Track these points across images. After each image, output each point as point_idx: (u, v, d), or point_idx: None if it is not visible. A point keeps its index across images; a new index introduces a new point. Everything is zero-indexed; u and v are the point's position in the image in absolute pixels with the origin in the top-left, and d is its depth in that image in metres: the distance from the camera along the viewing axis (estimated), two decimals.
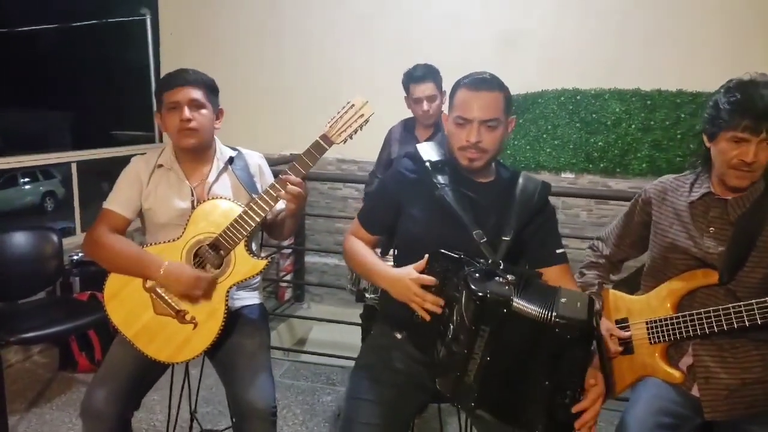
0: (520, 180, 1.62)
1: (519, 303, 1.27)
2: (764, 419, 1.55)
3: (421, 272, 1.47)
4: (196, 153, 1.85)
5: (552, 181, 1.69)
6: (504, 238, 1.50)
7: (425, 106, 2.77)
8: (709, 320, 1.55)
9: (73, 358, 3.28)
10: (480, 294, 1.27)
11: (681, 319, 1.61)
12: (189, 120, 1.75)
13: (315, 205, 5.33)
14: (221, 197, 1.77)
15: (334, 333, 4.33)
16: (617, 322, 1.77)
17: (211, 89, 1.83)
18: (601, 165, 4.64)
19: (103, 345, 3.30)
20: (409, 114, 2.98)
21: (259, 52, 5.38)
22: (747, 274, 1.54)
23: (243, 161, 1.92)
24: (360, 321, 2.83)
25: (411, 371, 1.59)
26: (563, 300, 1.30)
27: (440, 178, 1.58)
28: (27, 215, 13.39)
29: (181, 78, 1.78)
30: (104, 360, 1.80)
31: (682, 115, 4.40)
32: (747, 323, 1.49)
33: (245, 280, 1.73)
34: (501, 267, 1.41)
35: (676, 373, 1.63)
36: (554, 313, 1.25)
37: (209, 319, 1.70)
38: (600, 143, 4.60)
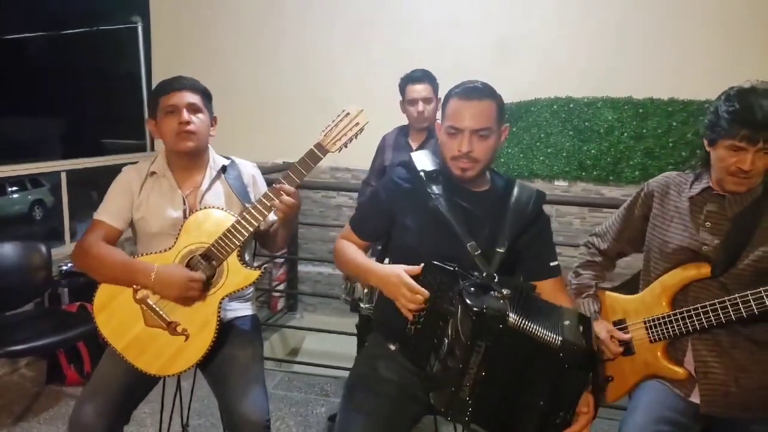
0: (515, 189, 1.60)
1: (516, 319, 1.27)
2: (762, 421, 1.56)
3: (414, 280, 1.45)
4: (189, 160, 1.82)
5: (545, 189, 1.68)
6: (498, 249, 1.49)
7: (420, 106, 2.76)
8: (707, 314, 1.56)
9: (61, 371, 3.22)
10: (476, 309, 1.26)
11: (680, 315, 1.61)
12: (188, 122, 1.74)
13: (308, 214, 5.31)
14: (214, 207, 1.74)
15: (328, 343, 4.29)
16: (614, 323, 1.77)
17: (206, 96, 1.83)
18: (594, 173, 4.65)
19: (93, 357, 3.24)
20: (403, 121, 2.97)
21: (252, 60, 5.37)
22: (739, 269, 1.56)
23: (236, 170, 1.89)
24: (355, 331, 2.80)
25: (405, 382, 1.57)
26: (566, 323, 1.30)
27: (434, 188, 1.57)
28: (15, 224, 13.26)
29: (178, 83, 1.77)
30: (93, 373, 1.76)
31: (674, 124, 4.43)
32: (744, 314, 1.51)
33: (238, 290, 1.70)
34: (496, 280, 1.40)
35: (680, 370, 1.63)
36: (560, 338, 1.25)
37: (201, 330, 1.67)
38: (593, 151, 4.61)
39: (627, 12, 4.51)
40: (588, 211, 4.63)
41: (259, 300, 5.12)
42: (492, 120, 1.51)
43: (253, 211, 1.66)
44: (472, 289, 1.33)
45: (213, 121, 1.86)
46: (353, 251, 1.67)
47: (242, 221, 1.66)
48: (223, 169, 1.87)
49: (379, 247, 1.82)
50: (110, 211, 1.77)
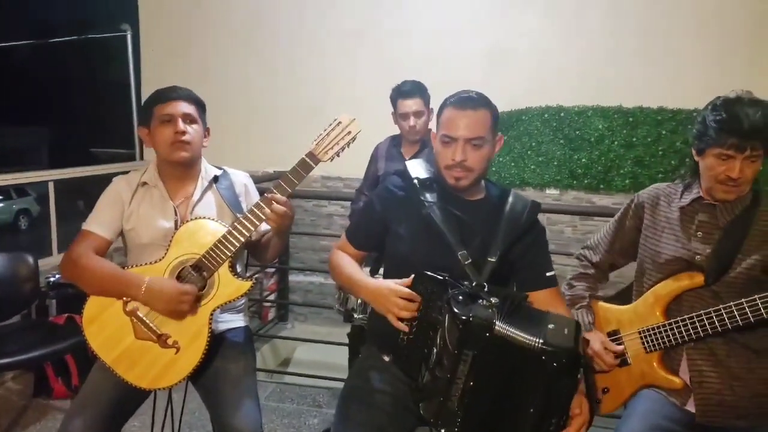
0: (510, 199, 1.60)
1: (502, 327, 1.26)
2: (757, 428, 1.56)
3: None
4: (182, 170, 1.81)
5: (536, 197, 1.69)
6: (489, 259, 1.49)
7: (412, 121, 2.77)
8: (702, 323, 1.57)
9: (48, 384, 3.16)
10: (463, 317, 1.26)
11: (674, 325, 1.62)
12: (184, 132, 1.72)
13: (300, 223, 5.29)
14: (205, 217, 1.72)
15: (320, 353, 4.26)
16: (608, 334, 1.77)
17: (201, 107, 1.82)
18: (585, 181, 4.67)
19: (81, 370, 3.19)
20: (395, 131, 2.97)
21: (243, 68, 5.37)
22: (731, 277, 1.57)
23: (228, 180, 1.88)
24: (347, 340, 2.78)
25: (399, 394, 1.56)
26: (551, 326, 1.29)
27: (428, 196, 1.57)
28: (0, 234, 13.11)
29: (174, 92, 1.76)
30: (83, 386, 1.73)
31: (664, 132, 4.46)
32: (740, 322, 1.52)
33: (230, 302, 1.67)
34: (485, 289, 1.39)
35: (677, 379, 1.63)
36: (541, 341, 1.23)
37: (192, 343, 1.64)
38: (583, 160, 4.63)
39: (617, 22, 4.56)
40: (579, 220, 4.64)
41: (250, 310, 5.08)
42: (486, 129, 1.51)
43: (244, 221, 1.64)
44: (461, 297, 1.32)
45: (206, 132, 1.85)
46: (346, 263, 1.67)
47: (233, 231, 1.64)
48: (215, 179, 1.86)
49: (375, 255, 1.82)
50: (100, 222, 1.74)
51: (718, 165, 1.53)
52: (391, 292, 1.44)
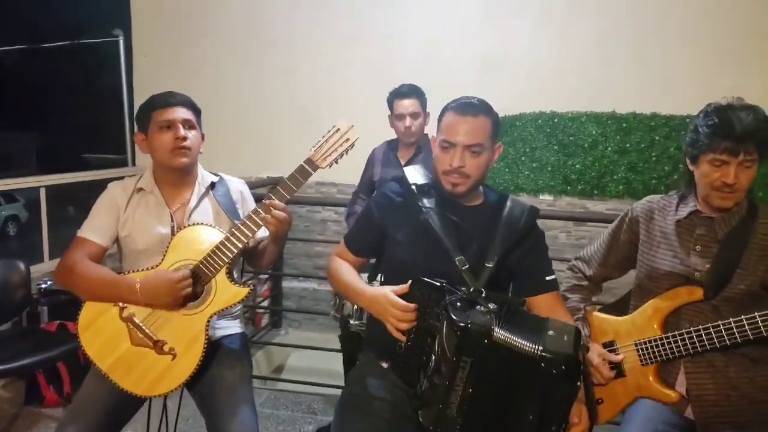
0: (508, 204, 1.60)
1: (501, 333, 1.25)
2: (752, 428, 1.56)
3: (403, 299, 1.44)
4: (180, 176, 1.80)
5: (530, 203, 1.68)
6: (487, 264, 1.49)
7: (408, 122, 2.77)
8: (700, 338, 1.56)
9: (39, 391, 3.13)
10: (461, 324, 1.25)
11: (671, 339, 1.61)
12: (185, 138, 1.72)
13: (294, 229, 5.23)
14: (202, 223, 1.71)
15: (314, 359, 4.25)
16: (604, 345, 1.76)
17: (198, 113, 1.82)
18: (579, 187, 4.69)
19: (73, 378, 3.16)
20: (388, 136, 2.97)
21: (236, 74, 5.36)
22: (730, 291, 1.56)
23: (224, 187, 1.87)
24: (339, 345, 2.76)
25: (398, 401, 1.54)
26: (550, 333, 1.29)
27: (426, 202, 1.57)
28: None
29: (174, 98, 1.75)
30: (77, 394, 1.71)
31: (657, 138, 4.49)
32: (739, 339, 1.51)
33: (227, 308, 1.66)
34: (483, 295, 1.39)
35: (672, 393, 1.62)
36: (540, 348, 1.23)
37: (189, 349, 1.63)
38: (577, 165, 4.65)
39: (610, 28, 4.59)
40: (573, 225, 4.65)
41: (244, 316, 5.05)
42: (485, 137, 1.51)
43: (242, 227, 1.63)
44: (458, 304, 1.32)
45: (202, 137, 1.84)
46: (344, 270, 1.66)
47: (231, 238, 1.63)
48: (212, 185, 1.85)
49: (372, 261, 1.81)
50: (95, 228, 1.73)
51: (712, 171, 1.53)
52: (388, 302, 1.44)
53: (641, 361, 1.67)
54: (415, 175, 1.64)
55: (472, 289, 1.40)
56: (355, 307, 2.37)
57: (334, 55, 5.16)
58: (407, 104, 2.77)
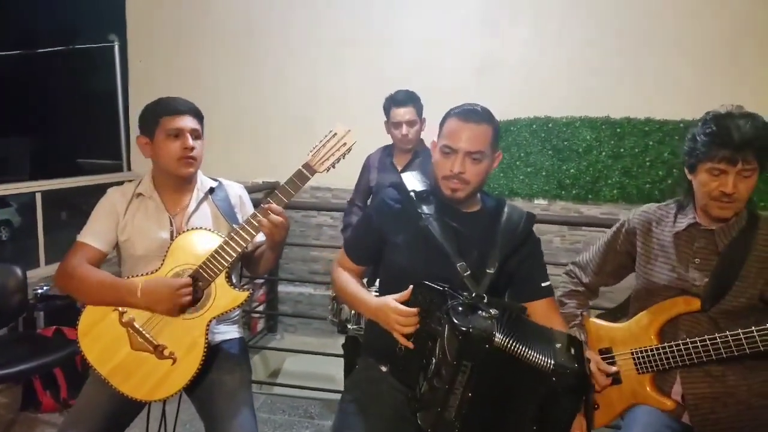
0: (505, 210, 1.61)
1: (502, 339, 1.26)
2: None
3: (405, 303, 1.46)
4: (181, 182, 1.81)
5: (525, 207, 1.69)
6: (488, 270, 1.50)
7: (404, 130, 2.79)
8: (697, 350, 1.55)
9: (36, 397, 3.11)
10: (463, 329, 1.26)
11: (668, 349, 1.60)
12: (192, 148, 1.73)
13: (289, 233, 5.25)
14: (201, 228, 1.72)
15: (309, 364, 4.24)
16: (600, 351, 1.75)
17: (202, 121, 1.82)
18: (573, 192, 4.71)
19: (70, 383, 3.15)
20: (384, 141, 2.98)
21: (232, 79, 5.36)
22: (729, 303, 1.55)
23: (223, 191, 1.88)
24: (337, 351, 2.77)
25: (398, 404, 1.55)
26: (558, 345, 1.30)
27: (425, 209, 1.58)
28: None
29: (183, 105, 1.75)
30: (77, 399, 1.71)
31: (651, 143, 4.52)
32: (735, 352, 1.50)
33: (226, 312, 1.67)
34: (484, 300, 1.40)
35: (668, 402, 1.62)
36: (552, 362, 1.24)
37: (188, 353, 1.63)
38: (572, 170, 4.68)
39: (604, 35, 4.62)
40: (567, 230, 4.67)
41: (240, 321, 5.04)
42: (486, 144, 1.52)
43: (241, 231, 1.64)
44: (460, 308, 1.33)
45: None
46: (348, 280, 1.67)
47: (230, 242, 1.64)
48: (211, 190, 1.85)
49: (371, 268, 1.82)
50: (94, 233, 1.73)
51: (711, 180, 1.50)
52: (391, 310, 1.45)
53: (637, 369, 1.66)
54: (413, 181, 1.65)
55: (474, 294, 1.41)
56: (353, 311, 2.38)
57: (331, 59, 5.18)
58: (403, 112, 2.78)
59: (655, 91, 4.53)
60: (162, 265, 1.66)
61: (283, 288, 5.40)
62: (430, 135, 2.89)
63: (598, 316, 1.87)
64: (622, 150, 4.58)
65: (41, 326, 3.40)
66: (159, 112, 1.74)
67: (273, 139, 5.24)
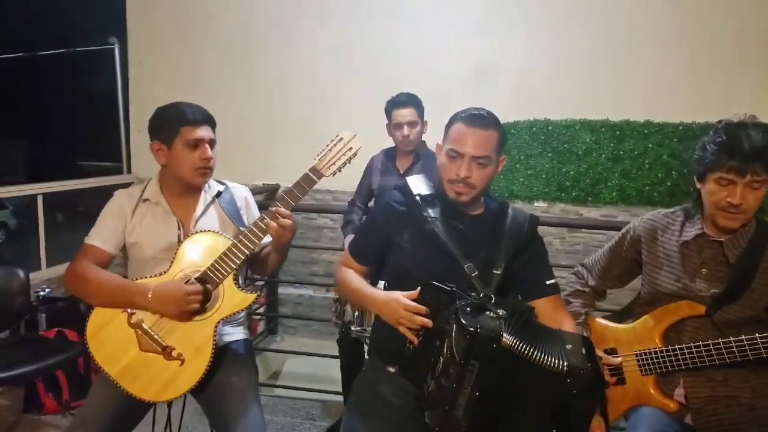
0: (509, 212, 1.63)
1: (510, 339, 1.28)
2: None
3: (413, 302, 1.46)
4: (190, 188, 1.82)
5: (525, 209, 1.71)
6: (495, 271, 1.52)
7: (405, 131, 2.81)
8: (700, 354, 1.57)
9: (39, 399, 3.12)
10: (471, 329, 1.27)
11: (672, 352, 1.62)
12: (211, 158, 1.75)
13: None
14: (209, 231, 1.73)
15: (310, 366, 4.24)
16: (605, 352, 1.76)
17: (215, 128, 1.84)
18: (573, 194, 4.73)
19: (72, 385, 3.16)
20: (384, 144, 3.00)
21: (232, 81, 5.37)
22: (735, 314, 1.55)
23: (229, 194, 1.90)
24: (338, 354, 2.78)
25: (406, 405, 1.56)
26: (569, 347, 1.31)
27: (430, 212, 1.59)
28: None
29: (202, 115, 1.77)
30: (85, 401, 1.73)
31: (650, 145, 4.54)
32: (738, 358, 1.51)
33: (234, 314, 1.68)
34: (492, 301, 1.41)
35: (671, 404, 1.64)
36: (565, 363, 1.25)
37: (197, 355, 1.64)
38: (571, 173, 4.70)
39: (603, 38, 4.65)
40: (567, 232, 4.69)
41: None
42: (492, 149, 1.54)
43: (249, 234, 1.66)
44: (468, 308, 1.34)
45: None
46: (353, 278, 1.68)
47: (238, 244, 1.65)
48: (218, 194, 1.87)
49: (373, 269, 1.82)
50: (102, 236, 1.74)
51: (719, 190, 1.49)
52: (399, 305, 1.46)
53: (641, 370, 1.68)
54: (419, 185, 1.67)
55: (482, 295, 1.43)
56: (356, 313, 2.39)
57: (331, 63, 5.19)
58: (405, 113, 2.80)
59: (654, 94, 4.56)
60: (170, 267, 1.67)
61: (283, 290, 5.40)
62: (431, 137, 2.93)
63: (604, 318, 1.89)
64: (621, 152, 4.61)
65: (43, 328, 3.40)
66: (179, 120, 1.73)
67: (273, 142, 5.25)
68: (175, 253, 1.69)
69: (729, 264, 1.57)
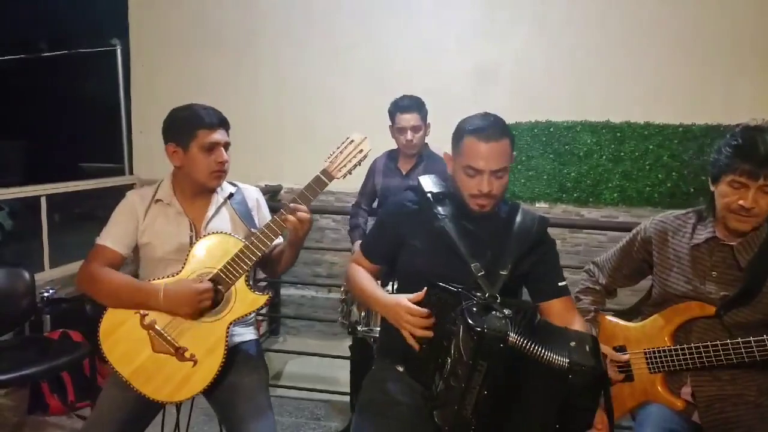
0: (519, 213, 1.65)
1: (516, 338, 1.30)
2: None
3: (418, 303, 1.48)
4: (204, 190, 1.83)
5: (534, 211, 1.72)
6: (501, 272, 1.53)
7: (409, 135, 2.83)
8: (708, 354, 1.58)
9: (43, 399, 3.13)
10: (478, 329, 1.29)
11: (680, 351, 1.64)
12: (226, 161, 1.77)
13: None
14: (221, 232, 1.74)
15: (312, 366, 4.26)
16: (615, 349, 1.79)
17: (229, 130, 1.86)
18: (574, 195, 4.75)
19: (77, 386, 3.17)
20: (385, 144, 3.01)
21: (233, 83, 5.37)
22: (744, 317, 1.57)
23: (241, 195, 1.91)
24: (341, 354, 2.80)
25: (416, 404, 1.58)
26: (572, 344, 1.33)
27: (440, 210, 1.60)
28: None
29: (218, 119, 1.78)
30: (96, 403, 1.74)
31: (650, 147, 4.56)
32: (746, 359, 1.53)
33: (246, 315, 1.70)
34: (498, 301, 1.43)
35: (678, 402, 1.66)
36: (567, 360, 1.28)
37: (209, 355, 1.66)
38: (573, 174, 4.71)
39: (604, 39, 4.65)
40: (569, 232, 4.70)
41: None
42: (507, 158, 1.54)
43: (261, 235, 1.68)
44: (474, 309, 1.35)
45: None
46: (362, 277, 1.70)
47: (251, 246, 1.67)
48: (229, 195, 1.88)
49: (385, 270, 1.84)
50: (114, 236, 1.75)
51: (731, 193, 1.51)
52: (403, 309, 1.47)
53: (649, 368, 1.70)
54: (430, 184, 1.68)
55: (487, 295, 1.45)
56: (363, 313, 2.41)
57: (331, 64, 5.20)
58: (408, 118, 2.83)
59: (654, 96, 4.57)
60: (182, 268, 1.69)
61: (285, 291, 5.41)
62: (432, 137, 2.95)
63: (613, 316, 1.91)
64: (622, 154, 4.62)
65: (47, 330, 3.41)
66: (195, 123, 1.75)
67: (274, 143, 5.25)
68: (187, 255, 1.71)
69: (740, 268, 1.59)
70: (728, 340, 1.55)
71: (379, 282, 1.91)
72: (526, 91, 4.75)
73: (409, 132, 2.83)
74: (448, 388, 1.38)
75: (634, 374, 1.74)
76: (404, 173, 2.97)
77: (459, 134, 1.58)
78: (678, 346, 1.64)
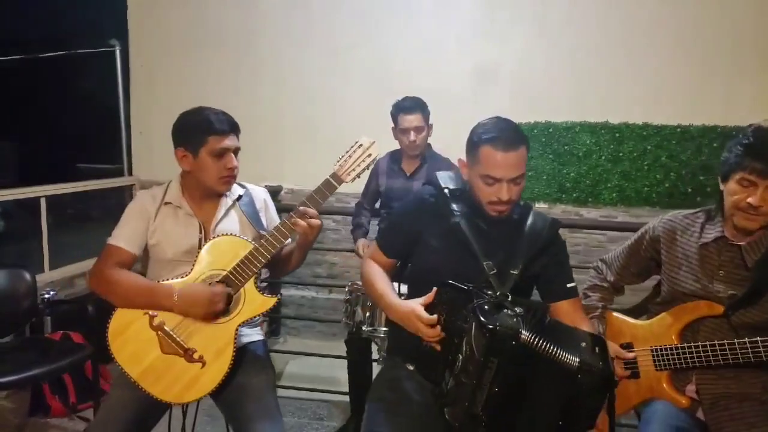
0: (531, 215, 1.66)
1: (528, 336, 1.31)
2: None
3: (429, 305, 1.50)
4: (213, 193, 1.83)
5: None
6: (512, 271, 1.54)
7: (412, 136, 2.84)
8: (715, 352, 1.60)
9: (45, 401, 3.12)
10: (489, 326, 1.30)
11: (686, 350, 1.65)
12: (235, 167, 1.77)
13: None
14: (230, 234, 1.75)
15: (312, 367, 4.26)
16: (621, 346, 1.81)
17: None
18: (574, 195, 4.77)
19: (78, 388, 3.16)
20: (386, 145, 3.01)
21: (233, 84, 5.36)
22: (752, 317, 1.58)
23: (248, 196, 1.92)
24: (341, 354, 2.80)
25: (426, 401, 1.59)
26: (583, 344, 1.35)
27: (455, 207, 1.61)
28: None
29: (229, 125, 1.77)
30: (103, 404, 1.75)
31: (649, 147, 4.59)
32: (752, 358, 1.54)
33: (256, 317, 1.70)
34: (509, 299, 1.44)
35: (683, 399, 1.68)
36: (577, 360, 1.29)
37: (218, 357, 1.66)
38: (572, 174, 4.74)
39: (603, 40, 4.67)
40: (568, 232, 4.71)
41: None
42: (524, 163, 1.55)
43: (270, 238, 1.68)
44: (486, 307, 1.37)
45: None
46: (378, 278, 1.69)
47: (260, 248, 1.68)
48: (238, 197, 1.89)
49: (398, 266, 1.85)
50: (126, 236, 1.75)
51: (740, 191, 1.52)
52: (416, 317, 1.48)
53: (655, 366, 1.72)
54: (447, 180, 1.69)
55: (498, 294, 1.46)
56: (367, 314, 2.42)
57: (331, 65, 5.20)
58: (411, 119, 2.83)
59: (653, 97, 4.60)
60: (191, 270, 1.69)
61: (285, 291, 5.41)
62: (436, 141, 2.95)
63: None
64: (621, 154, 4.65)
65: (48, 331, 3.40)
66: (206, 129, 1.74)
67: (274, 143, 5.24)
68: (197, 257, 1.71)
69: (747, 268, 1.60)
70: (735, 340, 1.56)
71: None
72: (525, 92, 4.76)
73: (412, 133, 2.84)
74: (459, 385, 1.39)
75: (640, 371, 1.75)
76: (408, 174, 2.97)
77: (475, 142, 1.56)
78: (685, 345, 1.66)
